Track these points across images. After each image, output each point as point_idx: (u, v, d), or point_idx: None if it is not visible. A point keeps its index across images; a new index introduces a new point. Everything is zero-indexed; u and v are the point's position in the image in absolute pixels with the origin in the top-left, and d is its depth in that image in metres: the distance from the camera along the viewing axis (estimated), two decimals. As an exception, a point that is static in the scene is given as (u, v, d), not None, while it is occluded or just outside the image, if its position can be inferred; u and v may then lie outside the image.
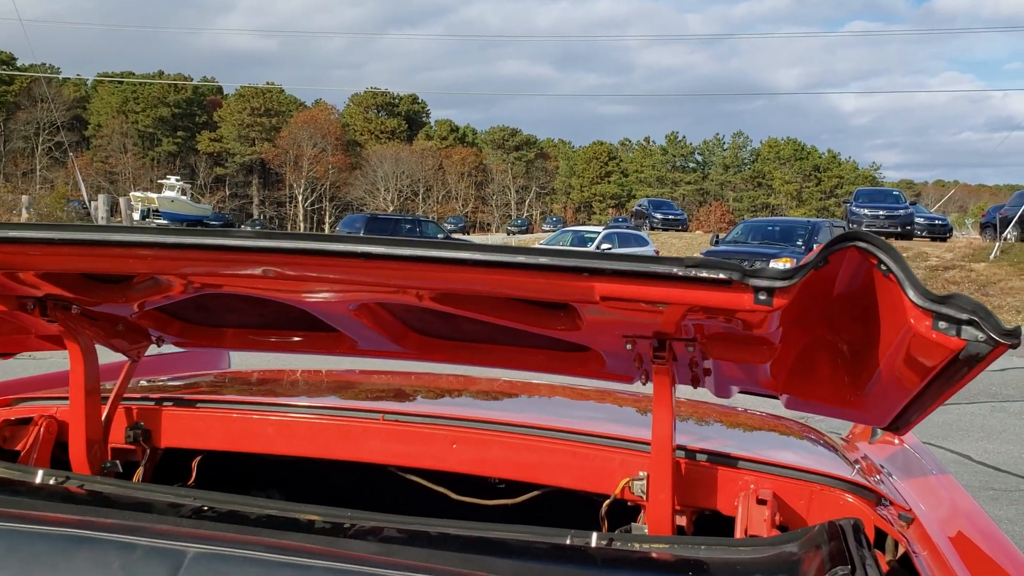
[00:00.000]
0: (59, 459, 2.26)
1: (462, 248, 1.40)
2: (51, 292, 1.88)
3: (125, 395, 2.28)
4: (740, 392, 2.19)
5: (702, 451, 1.98)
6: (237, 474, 2.48)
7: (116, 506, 1.71)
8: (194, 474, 2.29)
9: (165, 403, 2.30)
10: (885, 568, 1.54)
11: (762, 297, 1.33)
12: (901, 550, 1.73)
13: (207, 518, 1.66)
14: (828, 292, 1.47)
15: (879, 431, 2.65)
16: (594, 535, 1.62)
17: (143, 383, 2.49)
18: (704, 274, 1.32)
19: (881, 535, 1.81)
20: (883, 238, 1.34)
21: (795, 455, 2.19)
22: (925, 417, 1.77)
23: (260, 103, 73.23)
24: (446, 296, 1.70)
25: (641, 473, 1.94)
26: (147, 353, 2.39)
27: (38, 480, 1.85)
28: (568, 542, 1.60)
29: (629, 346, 1.75)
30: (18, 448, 2.22)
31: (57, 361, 5.90)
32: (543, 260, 1.36)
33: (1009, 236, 24.21)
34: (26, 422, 2.26)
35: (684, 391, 2.04)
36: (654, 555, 1.57)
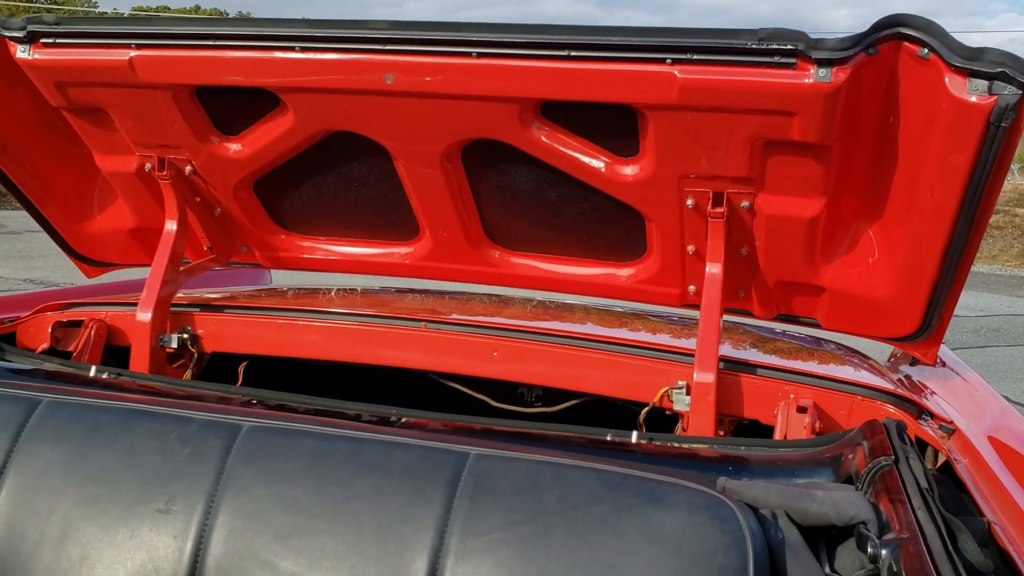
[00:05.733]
0: (108, 363, 2.32)
1: (561, 30, 1.70)
2: (178, 136, 2.06)
3: (172, 302, 2.32)
4: (779, 315, 2.20)
5: (742, 361, 1.98)
6: (281, 382, 2.53)
7: (169, 397, 1.75)
8: (240, 379, 2.34)
9: (210, 310, 2.34)
10: None
11: (822, 73, 1.54)
12: (942, 459, 1.73)
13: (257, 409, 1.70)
14: (874, 95, 1.63)
15: None
16: (634, 433, 1.64)
17: (182, 294, 2.53)
18: (775, 45, 1.55)
19: (923, 447, 1.80)
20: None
21: (836, 368, 2.18)
22: (953, 307, 1.86)
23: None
24: (536, 113, 1.87)
25: (680, 382, 1.95)
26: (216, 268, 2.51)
27: (91, 374, 1.91)
28: (608, 439, 1.62)
29: (691, 201, 1.89)
30: (70, 349, 2.29)
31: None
32: (634, 39, 1.65)
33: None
34: (76, 324, 2.32)
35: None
36: (694, 451, 1.58)
